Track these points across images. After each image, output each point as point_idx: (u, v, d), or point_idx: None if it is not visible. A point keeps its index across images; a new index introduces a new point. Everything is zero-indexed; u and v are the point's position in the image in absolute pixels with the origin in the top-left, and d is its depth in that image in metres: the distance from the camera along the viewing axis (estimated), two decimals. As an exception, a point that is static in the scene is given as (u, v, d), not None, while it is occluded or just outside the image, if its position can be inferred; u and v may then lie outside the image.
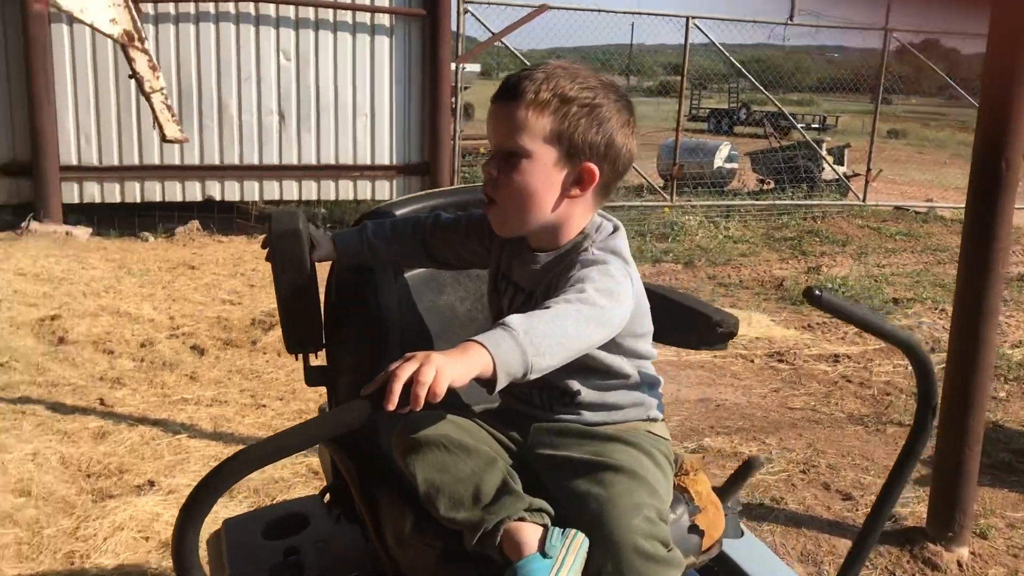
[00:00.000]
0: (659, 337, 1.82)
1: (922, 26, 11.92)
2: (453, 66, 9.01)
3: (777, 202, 11.25)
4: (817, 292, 1.46)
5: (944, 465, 3.24)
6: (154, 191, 8.35)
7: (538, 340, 1.28)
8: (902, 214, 11.82)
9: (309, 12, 8.50)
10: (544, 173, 1.49)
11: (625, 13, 11.31)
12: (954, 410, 3.16)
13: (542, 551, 1.35)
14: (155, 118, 5.58)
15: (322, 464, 2.06)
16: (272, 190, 8.71)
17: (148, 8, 7.83)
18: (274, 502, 3.20)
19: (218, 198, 8.58)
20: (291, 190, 8.76)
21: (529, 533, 1.38)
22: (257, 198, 8.77)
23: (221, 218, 8.60)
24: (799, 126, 11.94)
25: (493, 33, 9.49)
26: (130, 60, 5.41)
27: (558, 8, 9.89)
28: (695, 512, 1.59)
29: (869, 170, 11.84)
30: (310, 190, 8.83)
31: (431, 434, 1.48)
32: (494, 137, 1.52)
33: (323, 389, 1.83)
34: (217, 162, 8.47)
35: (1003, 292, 3.78)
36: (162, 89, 5.52)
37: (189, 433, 3.99)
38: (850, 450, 4.21)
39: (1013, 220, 3.11)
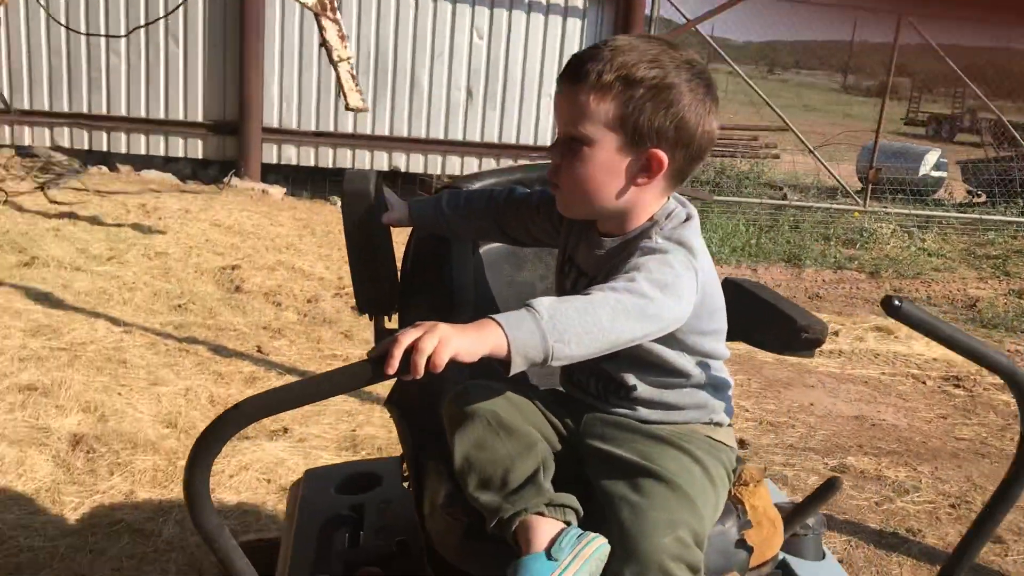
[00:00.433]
0: (741, 337, 1.72)
1: None
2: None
3: (985, 216, 10.30)
4: (896, 301, 1.31)
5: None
6: (345, 158, 8.76)
7: (563, 327, 1.22)
8: None
9: (506, -9, 8.63)
10: (607, 161, 1.41)
11: (831, 4, 10.71)
12: None
13: (548, 552, 1.30)
14: (340, 86, 5.86)
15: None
16: (454, 165, 8.93)
17: (354, -17, 8.21)
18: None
19: (403, 169, 8.89)
20: (471, 166, 8.94)
21: (543, 529, 1.34)
22: (439, 171, 9.02)
23: (404, 188, 8.89)
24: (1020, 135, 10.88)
25: (688, 19, 9.25)
26: (322, 29, 5.69)
27: (761, -3, 9.51)
28: (746, 527, 1.49)
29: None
30: (490, 167, 8.98)
31: (479, 408, 1.45)
32: (558, 122, 1.46)
33: None
34: (405, 134, 8.77)
35: None
36: (349, 59, 5.78)
37: (331, 388, 4.16)
38: (1013, 491, 3.82)
39: None
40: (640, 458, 1.41)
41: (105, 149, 8.42)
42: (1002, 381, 1.43)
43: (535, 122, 8.93)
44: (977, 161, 12.83)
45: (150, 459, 3.24)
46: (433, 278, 1.76)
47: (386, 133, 8.76)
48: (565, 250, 1.60)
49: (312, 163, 8.71)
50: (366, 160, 8.78)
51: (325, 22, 5.63)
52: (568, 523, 1.37)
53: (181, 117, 8.45)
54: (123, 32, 7.68)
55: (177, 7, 7.26)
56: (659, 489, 1.36)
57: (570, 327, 1.22)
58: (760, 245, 8.51)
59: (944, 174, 12.98)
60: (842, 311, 6.91)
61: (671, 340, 1.43)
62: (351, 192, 1.59)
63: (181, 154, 8.56)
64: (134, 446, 3.29)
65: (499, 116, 8.87)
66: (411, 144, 8.80)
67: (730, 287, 1.77)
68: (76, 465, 3.17)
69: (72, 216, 6.56)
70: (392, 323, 1.79)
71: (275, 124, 8.56)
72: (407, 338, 1.13)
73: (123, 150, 8.44)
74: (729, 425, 1.58)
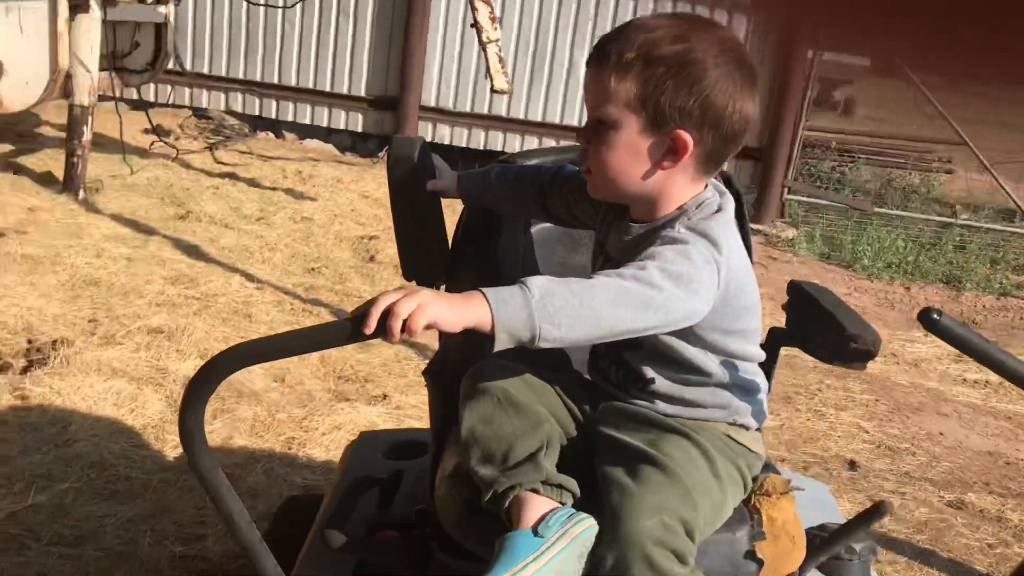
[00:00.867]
0: (797, 343, 1.64)
1: None
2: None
3: None
4: (935, 315, 1.21)
5: None
6: (496, 140, 8.87)
7: (554, 308, 1.19)
8: None
9: (672, -18, 8.47)
10: (630, 143, 1.37)
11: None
12: None
13: (535, 529, 1.28)
14: (487, 68, 5.93)
15: None
16: (604, 155, 8.87)
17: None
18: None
19: (552, 155, 8.90)
20: (622, 157, 8.86)
21: (535, 507, 1.32)
22: (589, 161, 8.98)
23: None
24: None
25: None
26: (474, 10, 5.77)
27: None
28: (759, 538, 1.41)
29: None
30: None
31: (492, 384, 1.45)
32: (587, 105, 1.43)
33: None
34: (557, 121, 8.78)
35: None
36: (497, 40, 5.84)
37: (438, 361, 4.24)
38: None
39: None
40: (647, 446, 1.37)
41: (273, 116, 8.87)
42: None
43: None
44: None
45: (252, 409, 3.41)
46: (481, 251, 1.76)
47: (539, 119, 8.81)
48: (599, 233, 1.56)
49: (463, 144, 8.87)
50: (516, 144, 8.85)
51: (477, 3, 5.70)
52: (563, 504, 1.34)
53: (345, 91, 8.79)
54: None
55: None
56: (653, 474, 1.32)
57: (562, 309, 1.19)
58: (918, 263, 8.01)
59: None
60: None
61: (690, 336, 1.38)
62: (397, 157, 1.61)
63: (343, 126, 8.91)
64: (239, 395, 3.46)
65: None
66: (563, 131, 8.80)
67: (792, 290, 1.69)
68: (185, 406, 3.36)
69: (232, 176, 6.95)
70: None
71: (432, 103, 8.76)
72: (386, 300, 1.14)
73: (289, 118, 8.86)
74: (758, 430, 1.50)
